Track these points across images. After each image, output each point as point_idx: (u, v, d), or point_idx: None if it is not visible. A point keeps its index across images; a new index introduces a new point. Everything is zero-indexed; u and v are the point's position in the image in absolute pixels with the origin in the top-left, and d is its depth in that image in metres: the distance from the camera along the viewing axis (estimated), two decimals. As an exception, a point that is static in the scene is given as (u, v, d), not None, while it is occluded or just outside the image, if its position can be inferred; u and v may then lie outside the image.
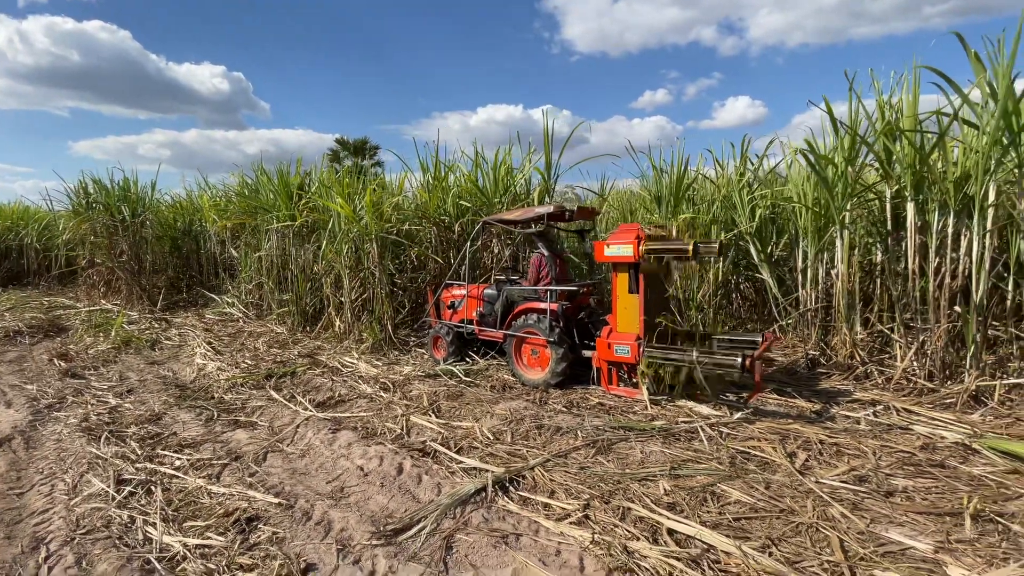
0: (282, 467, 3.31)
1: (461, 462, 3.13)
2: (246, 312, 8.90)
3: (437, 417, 3.97)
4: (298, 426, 3.94)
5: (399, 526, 2.50)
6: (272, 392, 4.71)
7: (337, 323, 6.84)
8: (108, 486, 3.03)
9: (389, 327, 6.13)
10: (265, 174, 7.85)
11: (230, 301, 9.35)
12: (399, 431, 3.74)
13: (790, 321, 5.64)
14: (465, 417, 3.95)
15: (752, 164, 6.13)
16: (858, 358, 4.69)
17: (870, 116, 4.49)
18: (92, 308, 9.71)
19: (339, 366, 5.53)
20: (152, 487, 3.05)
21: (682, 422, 3.67)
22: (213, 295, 9.96)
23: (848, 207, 4.60)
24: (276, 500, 2.80)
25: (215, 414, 4.29)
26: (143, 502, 2.88)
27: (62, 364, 5.92)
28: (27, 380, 5.38)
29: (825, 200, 4.65)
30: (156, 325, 8.49)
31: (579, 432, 3.50)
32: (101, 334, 7.54)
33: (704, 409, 3.93)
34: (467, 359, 5.50)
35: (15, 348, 7.02)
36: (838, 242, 4.65)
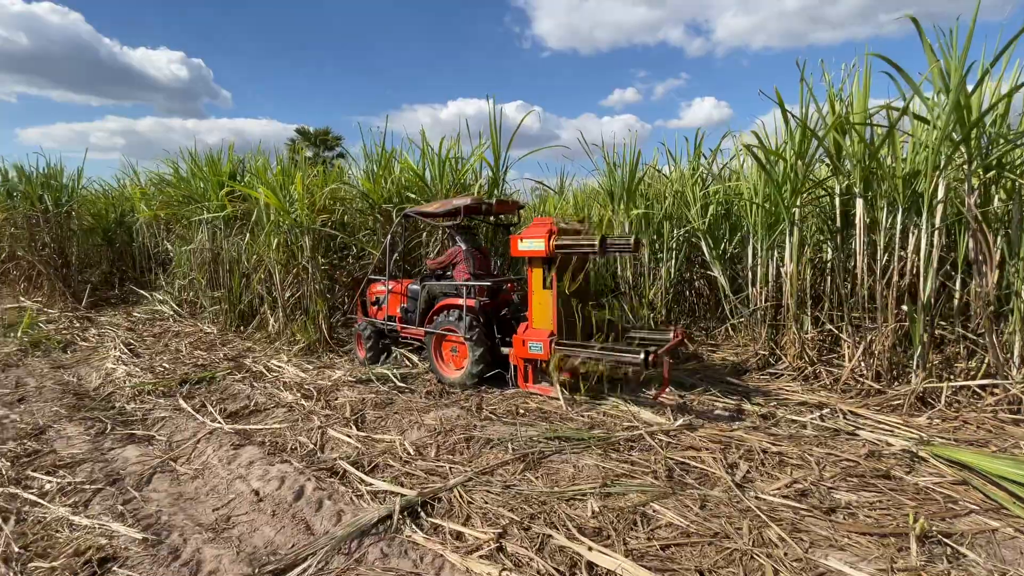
0: (166, 491, 2.90)
1: (371, 484, 2.78)
2: (178, 310, 8.28)
3: (359, 429, 3.61)
4: (199, 441, 3.52)
5: (279, 566, 2.14)
6: (181, 401, 4.25)
7: (271, 323, 6.36)
8: (-54, 520, 2.56)
9: (323, 327, 5.70)
10: (195, 161, 7.26)
11: (162, 299, 8.70)
12: (312, 446, 3.36)
13: (741, 320, 5.50)
14: (389, 429, 3.61)
15: (706, 159, 5.95)
16: (807, 358, 4.55)
17: (820, 110, 4.33)
18: (9, 306, 8.88)
19: (264, 370, 5.08)
20: (6, 518, 2.60)
21: (622, 430, 3.42)
22: (145, 292, 9.27)
23: (799, 203, 4.44)
24: (141, 536, 2.39)
25: (108, 427, 3.81)
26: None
27: (-50, 370, 5.28)
28: (-98, 389, 4.75)
29: (775, 196, 4.47)
30: (77, 324, 7.81)
31: (510, 444, 3.20)
32: (11, 335, 6.84)
33: (646, 414, 3.69)
34: (407, 361, 5.14)
35: (-96, 351, 6.27)
36: (788, 239, 4.49)
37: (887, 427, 3.43)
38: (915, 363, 3.87)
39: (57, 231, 9.41)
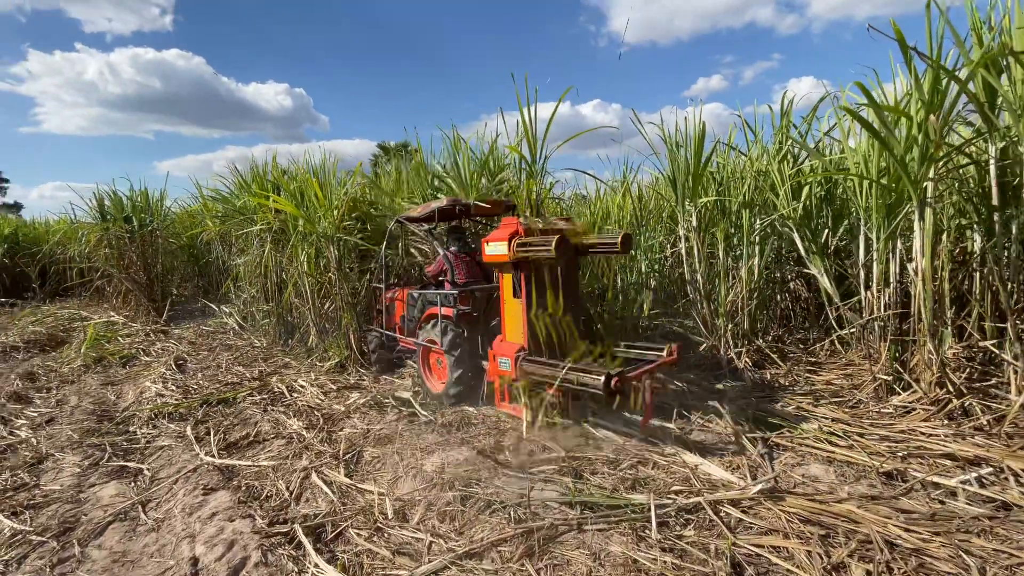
0: (110, 550, 2.47)
1: (319, 570, 2.13)
2: (241, 323, 8.39)
3: (347, 472, 3.01)
4: (178, 480, 3.11)
5: None
6: (188, 428, 3.94)
7: (310, 337, 6.07)
8: None
9: (353, 342, 5.26)
10: (239, 175, 7.24)
11: (228, 312, 8.90)
12: (286, 495, 2.81)
13: (852, 331, 4.26)
14: (382, 474, 2.97)
15: (797, 131, 4.76)
16: (951, 386, 3.30)
17: (961, 42, 3.09)
18: (99, 320, 9.57)
19: (285, 391, 4.71)
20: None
21: (673, 493, 2.51)
22: (216, 305, 9.57)
23: (932, 175, 3.22)
24: (30, 625, 1.93)
25: (106, 456, 3.56)
26: None
27: (19, 385, 5.49)
28: (-34, 406, 4.94)
29: (896, 169, 3.28)
30: (152, 338, 8.13)
31: (518, 510, 2.43)
32: (91, 349, 7.19)
33: (713, 467, 2.74)
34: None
35: (2, 364, 6.75)
36: (917, 225, 3.28)
37: (1100, 506, 2.22)
38: None
39: (142, 249, 10.02)
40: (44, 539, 2.55)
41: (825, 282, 4.27)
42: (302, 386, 4.81)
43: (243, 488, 2.94)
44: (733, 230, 4.85)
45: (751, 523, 2.24)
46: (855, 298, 4.06)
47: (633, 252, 5.48)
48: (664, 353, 3.40)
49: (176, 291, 11.16)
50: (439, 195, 5.77)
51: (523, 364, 3.31)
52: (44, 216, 16.10)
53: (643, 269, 5.34)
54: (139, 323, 9.18)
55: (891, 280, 3.69)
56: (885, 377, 3.65)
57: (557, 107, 4.68)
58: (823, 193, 4.68)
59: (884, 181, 3.57)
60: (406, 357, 5.13)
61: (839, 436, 3.10)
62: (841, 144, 4.39)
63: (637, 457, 2.93)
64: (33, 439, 3.95)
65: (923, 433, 3.04)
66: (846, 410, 3.54)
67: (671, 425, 3.37)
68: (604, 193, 6.40)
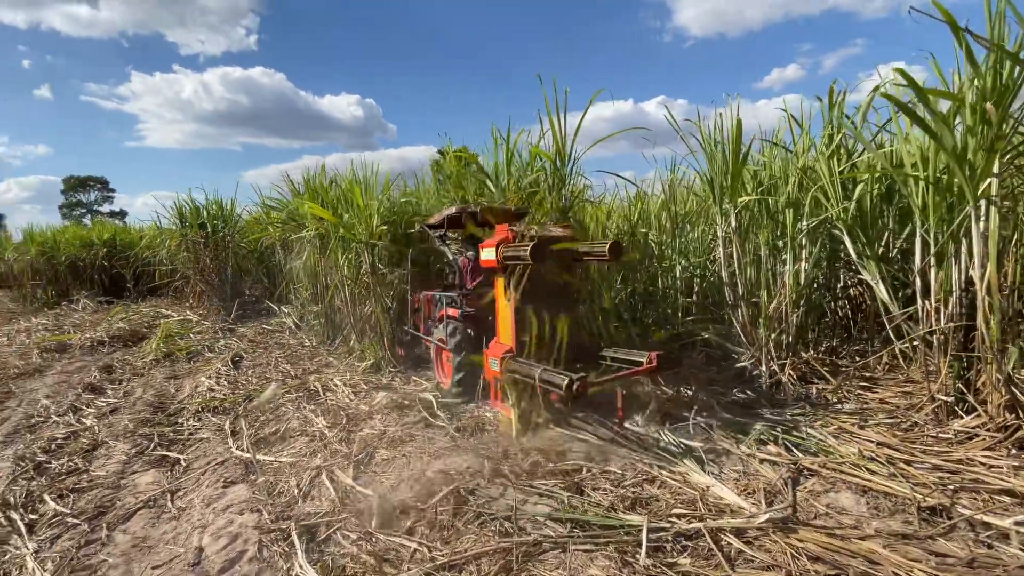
0: (132, 535, 2.66)
1: (304, 572, 2.17)
2: (297, 323, 8.86)
3: (356, 473, 3.07)
4: (205, 472, 3.32)
5: None
6: (227, 422, 4.19)
7: (352, 338, 6.30)
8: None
9: (386, 344, 5.39)
10: (291, 183, 7.64)
11: (287, 312, 9.43)
12: (296, 493, 2.90)
13: (915, 343, 3.82)
14: (387, 476, 3.01)
15: (850, 122, 4.35)
16: (1021, 411, 2.87)
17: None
18: (176, 319, 10.44)
19: (321, 389, 4.90)
20: (-10, 548, 2.56)
21: (674, 516, 2.35)
22: (276, 305, 10.17)
23: (995, 171, 2.82)
24: (45, 600, 2.11)
25: (152, 445, 3.86)
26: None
27: (96, 377, 6.09)
28: (53, 393, 5.54)
29: (952, 164, 2.90)
30: (219, 335, 8.76)
31: (506, 523, 2.37)
32: (163, 345, 7.86)
33: (725, 491, 2.54)
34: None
35: (89, 358, 7.53)
36: (975, 228, 2.88)
37: None
38: None
39: (215, 253, 10.85)
40: (79, 522, 2.80)
41: (881, 290, 3.86)
42: (336, 385, 4.99)
43: (259, 483, 3.07)
44: (778, 232, 4.51)
45: (752, 556, 2.05)
46: (913, 307, 3.64)
47: (673, 256, 5.25)
48: (644, 361, 3.41)
49: (247, 292, 11.95)
50: (480, 199, 5.82)
51: (507, 364, 3.41)
52: (142, 222, 17.83)
53: (678, 274, 5.08)
54: (210, 321, 9.92)
55: (954, 288, 3.27)
56: (945, 398, 3.24)
57: (584, 114, 4.58)
58: (882, 191, 4.25)
59: (939, 175, 3.18)
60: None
61: (880, 462, 2.78)
62: (905, 136, 3.96)
63: (645, 475, 2.78)
64: (95, 427, 4.35)
65: (982, 464, 2.66)
66: (897, 433, 3.18)
67: (662, 433, 3.17)
68: (647, 194, 6.17)
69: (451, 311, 4.26)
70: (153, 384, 5.78)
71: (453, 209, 4.33)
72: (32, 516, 2.91)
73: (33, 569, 2.36)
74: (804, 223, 4.28)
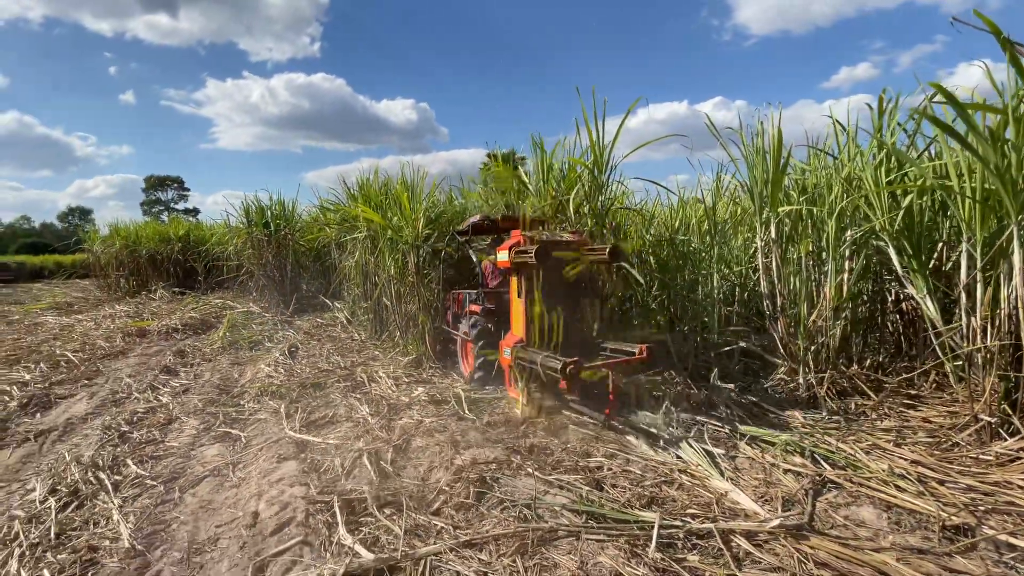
0: (200, 498, 3.01)
1: (342, 538, 2.42)
2: (349, 318, 9.36)
3: (393, 458, 3.32)
4: (262, 448, 3.67)
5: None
6: (282, 406, 4.58)
7: (397, 334, 6.65)
8: (39, 492, 3.05)
9: (428, 341, 5.68)
10: (346, 186, 8.11)
11: (340, 307, 9.97)
12: (340, 471, 3.19)
13: (959, 363, 3.68)
14: (421, 462, 3.24)
15: (903, 130, 4.22)
16: (1075, 438, 2.76)
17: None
18: (241, 310, 11.24)
19: (366, 380, 5.24)
20: (80, 503, 2.98)
21: (687, 516, 2.44)
22: (330, 301, 10.76)
23: (1048, 184, 2.72)
24: (129, 545, 2.46)
25: (217, 423, 4.28)
26: (39, 523, 2.79)
27: (171, 360, 6.74)
28: (134, 373, 6.18)
29: (992, 179, 2.82)
30: (278, 327, 9.39)
31: (524, 510, 2.53)
32: (228, 334, 8.54)
33: (746, 500, 2.60)
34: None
35: (165, 343, 8.29)
36: (1017, 247, 2.79)
37: None
38: None
39: (276, 250, 11.60)
40: (156, 484, 3.19)
41: (928, 305, 3.75)
42: (380, 376, 5.32)
43: (308, 460, 3.38)
44: (822, 244, 4.44)
45: (760, 558, 2.12)
46: (958, 324, 3.52)
47: (711, 264, 5.24)
48: (636, 352, 3.78)
49: (305, 287, 12.66)
50: (523, 203, 6.03)
51: (517, 353, 3.86)
52: (214, 220, 19.20)
53: (715, 283, 5.07)
54: (270, 314, 10.63)
55: (1002, 305, 3.16)
56: (989, 419, 3.13)
57: (622, 124, 4.67)
58: (935, 202, 4.11)
59: (987, 197, 3.08)
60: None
61: (911, 480, 2.74)
62: (945, 147, 3.82)
63: (665, 477, 2.87)
64: (170, 404, 4.86)
65: (1020, 487, 2.58)
66: (934, 452, 3.11)
67: (688, 442, 3.22)
68: (687, 202, 6.17)
69: (474, 307, 4.83)
70: (219, 369, 6.32)
71: (477, 217, 4.92)
72: (117, 477, 3.34)
73: (118, 520, 2.74)
74: (848, 233, 4.20)
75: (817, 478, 2.84)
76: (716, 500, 2.59)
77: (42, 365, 6.37)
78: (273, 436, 3.90)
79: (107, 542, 2.54)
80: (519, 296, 3.97)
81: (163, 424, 4.31)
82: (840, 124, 4.41)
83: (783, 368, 4.58)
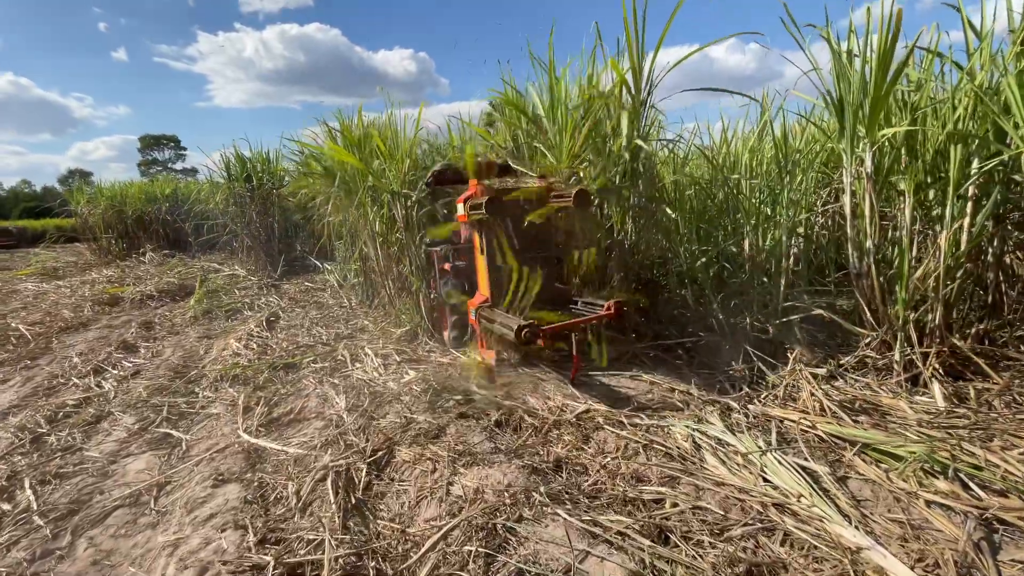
0: (96, 548, 2.16)
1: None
2: (340, 282, 8.45)
3: (366, 482, 2.44)
4: (201, 461, 2.80)
5: None
6: (242, 396, 3.70)
7: (387, 301, 5.72)
8: None
9: (423, 309, 4.74)
10: (327, 126, 6.96)
11: (331, 270, 9.04)
12: (294, 503, 2.31)
13: None
14: (405, 489, 2.35)
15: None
16: None
17: None
18: (225, 273, 10.34)
19: (349, 360, 4.34)
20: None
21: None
22: (321, 263, 9.82)
23: None
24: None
25: (158, 420, 3.42)
26: None
27: (134, 333, 5.88)
28: (87, 350, 5.34)
29: None
30: (263, 292, 8.51)
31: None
32: (203, 301, 7.65)
33: (895, 567, 1.69)
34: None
35: (136, 312, 7.43)
36: None
37: None
38: None
39: (261, 207, 10.57)
40: (44, 522, 2.33)
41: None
42: (366, 354, 4.42)
43: (256, 483, 2.51)
44: (929, 179, 3.37)
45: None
46: None
47: (770, 210, 4.19)
48: (603, 309, 3.33)
49: (299, 248, 11.68)
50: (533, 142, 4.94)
51: (480, 313, 3.58)
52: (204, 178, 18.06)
53: (778, 235, 4.03)
54: (256, 277, 9.73)
55: None
56: None
57: (671, 20, 3.50)
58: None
59: None
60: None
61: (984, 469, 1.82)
62: None
63: (759, 518, 1.96)
64: (111, 393, 4.00)
65: None
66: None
67: (771, 454, 2.30)
68: (732, 138, 5.03)
69: (446, 265, 4.33)
70: (184, 344, 5.46)
71: (438, 166, 4.38)
72: (5, 507, 2.49)
73: (-33, 591, 1.90)
74: (975, 164, 3.13)
75: (977, 515, 1.92)
76: (850, 565, 1.68)
77: (-17, 343, 5.54)
78: (221, 441, 3.03)
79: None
80: (481, 253, 3.63)
81: (90, 423, 3.45)
82: (970, 24, 3.23)
83: (869, 341, 3.61)
